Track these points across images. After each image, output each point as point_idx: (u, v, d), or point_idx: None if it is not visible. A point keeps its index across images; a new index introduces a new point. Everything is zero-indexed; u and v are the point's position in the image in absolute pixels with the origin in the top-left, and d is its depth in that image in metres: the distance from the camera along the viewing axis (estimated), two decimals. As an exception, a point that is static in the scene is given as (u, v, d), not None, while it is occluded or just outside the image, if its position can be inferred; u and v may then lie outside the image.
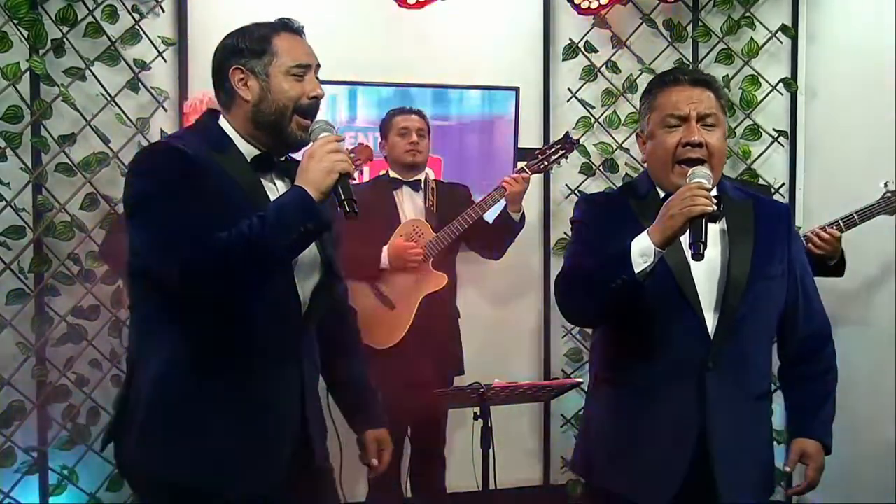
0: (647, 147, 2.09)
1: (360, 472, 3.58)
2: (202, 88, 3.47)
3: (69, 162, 3.45)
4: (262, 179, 1.90)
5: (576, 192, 4.08)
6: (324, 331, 2.05)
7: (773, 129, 4.07)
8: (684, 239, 1.88)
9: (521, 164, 3.63)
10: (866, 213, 3.04)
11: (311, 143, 1.84)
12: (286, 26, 1.92)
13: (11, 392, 3.39)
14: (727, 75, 4.04)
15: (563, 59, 4.08)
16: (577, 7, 3.94)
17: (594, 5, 3.94)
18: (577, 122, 4.08)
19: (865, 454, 3.41)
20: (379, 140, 3.60)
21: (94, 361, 3.53)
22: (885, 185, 3.03)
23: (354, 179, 2.21)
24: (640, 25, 4.09)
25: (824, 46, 3.98)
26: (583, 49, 4.07)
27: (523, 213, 3.55)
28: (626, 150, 4.10)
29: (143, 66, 3.58)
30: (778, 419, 2.25)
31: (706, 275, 2.00)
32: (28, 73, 3.38)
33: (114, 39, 3.51)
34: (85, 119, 3.47)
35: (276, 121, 1.88)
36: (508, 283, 4.12)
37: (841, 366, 2.21)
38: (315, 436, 1.97)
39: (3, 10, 3.31)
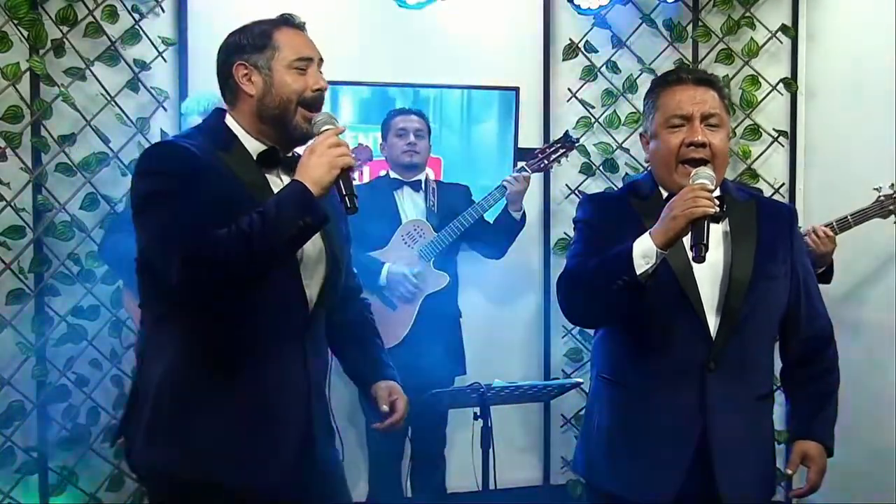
0: (651, 147, 2.09)
1: (361, 472, 3.62)
2: (202, 88, 3.49)
3: (69, 162, 3.45)
4: (268, 176, 1.91)
5: (576, 191, 4.08)
6: (338, 324, 2.07)
7: (773, 130, 4.07)
8: (687, 240, 1.88)
9: (521, 164, 3.63)
10: (860, 216, 3.07)
11: (316, 137, 1.85)
12: (287, 21, 1.94)
13: (11, 392, 3.38)
14: (727, 75, 4.04)
15: (563, 59, 4.08)
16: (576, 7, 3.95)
17: (594, 5, 3.94)
18: (577, 122, 4.08)
19: (865, 455, 3.41)
20: (379, 140, 3.60)
21: (94, 361, 3.52)
22: (879, 189, 3.07)
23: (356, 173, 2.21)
24: (640, 25, 4.09)
25: (824, 46, 3.98)
26: (583, 49, 4.07)
27: (524, 213, 3.55)
28: (626, 150, 4.10)
29: (143, 66, 3.58)
30: (778, 419, 2.25)
31: (709, 276, 2.00)
32: (28, 73, 3.38)
33: (114, 39, 3.51)
34: (85, 119, 3.46)
35: (280, 114, 1.89)
36: (508, 282, 4.12)
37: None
38: (320, 436, 1.97)
39: (3, 10, 3.31)
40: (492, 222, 3.57)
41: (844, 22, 3.87)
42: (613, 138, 4.12)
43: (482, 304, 4.07)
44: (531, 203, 3.88)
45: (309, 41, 1.94)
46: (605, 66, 4.09)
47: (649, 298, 1.92)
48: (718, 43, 4.10)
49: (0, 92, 3.31)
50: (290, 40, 1.90)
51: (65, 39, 3.42)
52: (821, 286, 3.03)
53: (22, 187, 3.40)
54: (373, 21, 3.85)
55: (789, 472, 2.12)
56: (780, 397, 2.23)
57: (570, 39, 4.07)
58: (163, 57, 3.62)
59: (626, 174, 4.08)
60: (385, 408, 2.05)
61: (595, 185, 4.10)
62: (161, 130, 3.60)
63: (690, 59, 4.13)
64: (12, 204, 3.35)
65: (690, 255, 1.87)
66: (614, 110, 4.12)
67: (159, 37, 3.61)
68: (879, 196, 3.07)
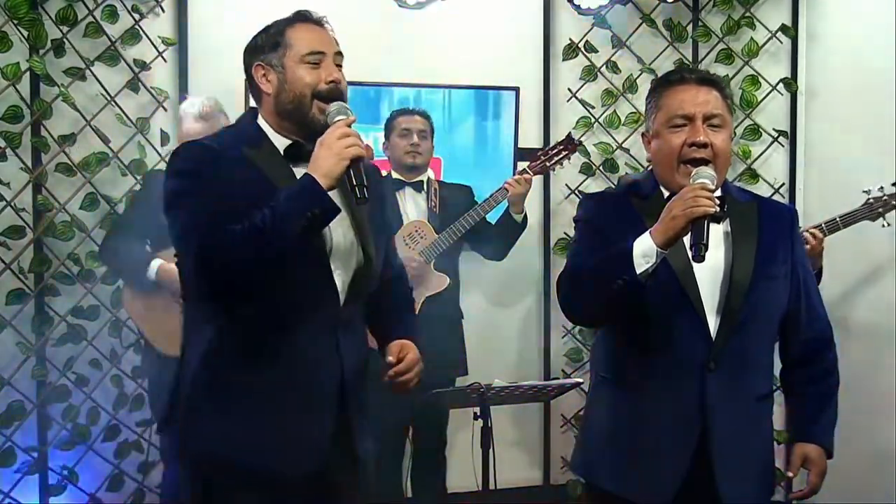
0: (653, 146, 2.09)
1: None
2: (202, 88, 3.49)
3: (69, 162, 3.45)
4: (295, 169, 1.93)
5: (576, 192, 4.08)
6: (379, 308, 2.11)
7: (773, 129, 4.07)
8: (687, 239, 1.88)
9: (522, 166, 3.62)
10: (849, 219, 3.09)
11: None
12: (302, 17, 1.98)
13: (11, 392, 3.38)
14: (727, 75, 4.03)
15: (563, 59, 4.08)
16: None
17: (594, 5, 3.94)
18: (577, 122, 4.08)
19: (865, 457, 3.41)
20: (381, 140, 3.60)
21: (94, 361, 3.53)
22: (869, 191, 3.08)
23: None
24: (640, 25, 4.09)
25: (824, 46, 3.98)
26: (583, 49, 4.07)
27: (525, 215, 3.55)
28: (626, 150, 4.10)
29: (143, 66, 3.58)
30: (778, 419, 2.25)
31: (709, 276, 2.00)
32: (28, 73, 3.38)
33: (114, 39, 3.51)
34: (85, 119, 3.46)
35: (296, 108, 1.92)
36: (508, 282, 4.12)
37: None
38: (355, 425, 1.99)
39: (3, 10, 3.31)
40: (493, 224, 3.57)
41: (844, 22, 3.87)
42: (613, 138, 4.12)
43: (481, 303, 4.07)
44: (531, 203, 3.86)
45: (324, 35, 1.98)
46: (605, 66, 4.09)
47: (649, 298, 1.92)
48: (718, 43, 4.10)
49: (0, 92, 3.32)
50: (302, 36, 1.94)
51: (65, 39, 3.42)
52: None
53: (22, 187, 3.40)
54: (373, 21, 3.84)
55: (790, 475, 2.12)
56: (780, 397, 2.23)
57: (570, 39, 4.07)
58: (163, 57, 3.61)
59: (626, 174, 4.07)
60: (391, 359, 2.01)
61: (595, 186, 4.09)
62: (161, 130, 3.60)
63: (690, 60, 4.13)
64: (12, 204, 3.35)
65: (690, 254, 1.87)
66: (614, 110, 4.12)
67: (159, 37, 3.61)
68: (869, 198, 3.08)
